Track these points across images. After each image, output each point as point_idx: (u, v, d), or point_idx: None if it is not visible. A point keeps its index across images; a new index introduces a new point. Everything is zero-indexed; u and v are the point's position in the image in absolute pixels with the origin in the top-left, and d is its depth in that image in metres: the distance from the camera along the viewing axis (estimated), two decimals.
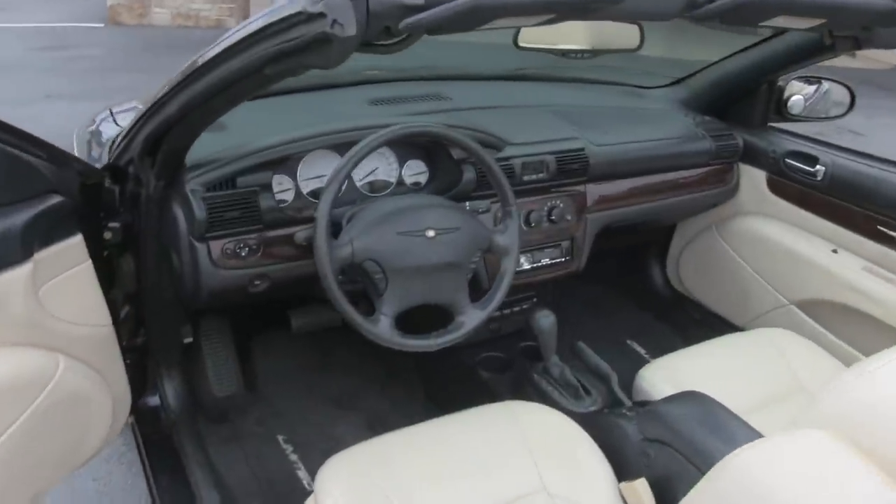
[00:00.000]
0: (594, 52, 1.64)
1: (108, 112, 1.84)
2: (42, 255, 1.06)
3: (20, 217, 1.03)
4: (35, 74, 6.34)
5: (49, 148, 1.10)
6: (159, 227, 1.31)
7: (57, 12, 10.30)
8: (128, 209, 1.29)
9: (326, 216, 1.19)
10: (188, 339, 1.62)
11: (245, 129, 1.42)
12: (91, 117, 1.88)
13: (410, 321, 1.26)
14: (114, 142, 1.37)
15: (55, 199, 1.09)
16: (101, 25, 9.79)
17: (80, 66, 6.77)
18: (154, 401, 1.53)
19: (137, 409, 1.42)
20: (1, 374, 1.00)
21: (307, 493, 1.14)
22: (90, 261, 1.17)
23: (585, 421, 1.23)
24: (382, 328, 1.21)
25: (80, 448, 1.23)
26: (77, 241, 1.14)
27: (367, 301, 1.30)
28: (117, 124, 1.71)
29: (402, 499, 1.04)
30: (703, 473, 0.80)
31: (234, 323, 1.77)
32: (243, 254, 1.30)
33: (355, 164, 1.23)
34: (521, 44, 1.54)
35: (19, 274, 1.02)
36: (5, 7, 10.11)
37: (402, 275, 1.22)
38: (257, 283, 1.34)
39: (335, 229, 1.26)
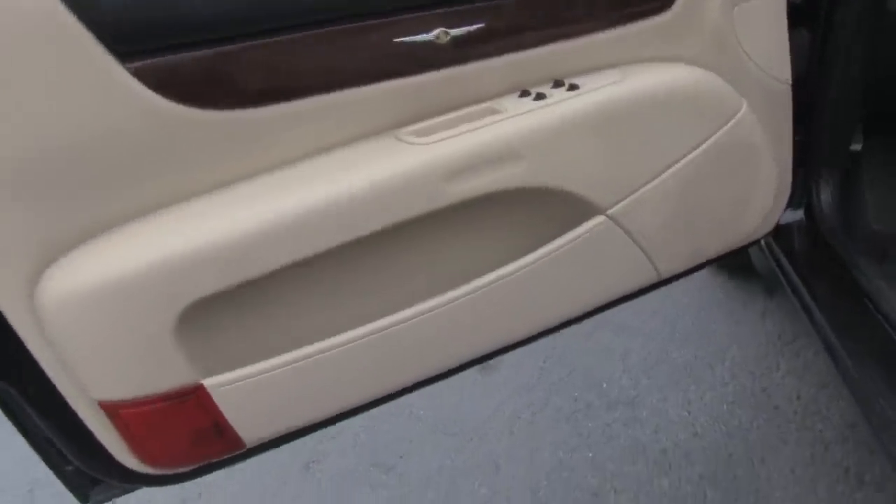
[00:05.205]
0: None
1: None
2: None
3: None
4: None
5: None
6: None
7: None
8: None
9: None
10: (856, 147, 1.34)
11: None
12: None
13: None
14: None
15: None
16: None
17: None
18: (794, 216, 1.31)
19: (777, 224, 1.21)
20: (702, 85, 0.97)
21: None
22: None
23: None
24: None
25: (739, 214, 1.11)
26: None
27: None
28: None
29: None
30: None
31: None
32: None
33: None
34: None
35: None
36: None
37: None
38: None
39: None
